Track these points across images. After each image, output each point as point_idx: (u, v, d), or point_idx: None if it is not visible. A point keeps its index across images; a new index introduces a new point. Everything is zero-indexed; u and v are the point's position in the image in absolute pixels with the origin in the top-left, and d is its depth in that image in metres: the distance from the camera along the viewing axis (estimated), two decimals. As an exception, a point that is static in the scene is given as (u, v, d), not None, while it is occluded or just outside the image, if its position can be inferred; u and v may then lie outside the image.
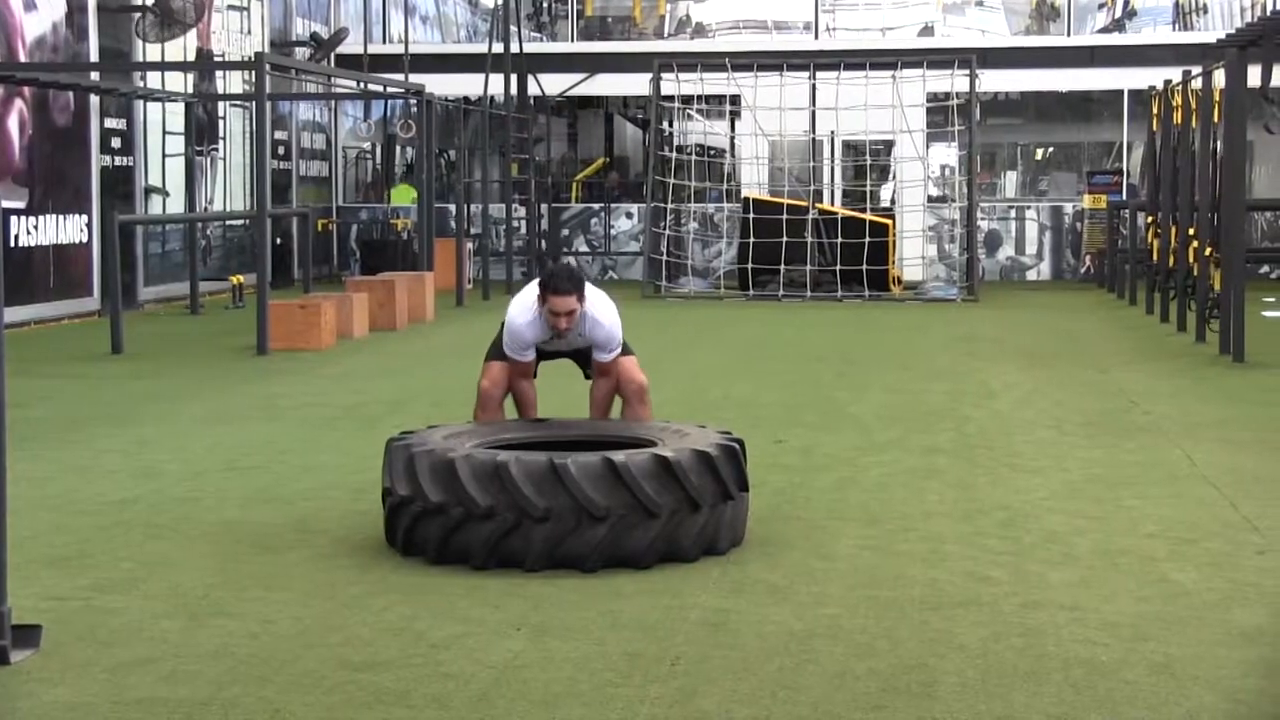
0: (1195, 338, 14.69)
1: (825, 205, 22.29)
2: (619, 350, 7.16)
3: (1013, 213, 25.11)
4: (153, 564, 6.25)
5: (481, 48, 24.26)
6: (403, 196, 25.97)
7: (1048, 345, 14.92)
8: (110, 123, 18.78)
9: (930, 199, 23.82)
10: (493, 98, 23.01)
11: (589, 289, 7.03)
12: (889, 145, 23.43)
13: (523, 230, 24.12)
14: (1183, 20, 28.30)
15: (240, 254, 22.01)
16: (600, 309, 7.06)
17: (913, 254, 22.40)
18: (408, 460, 6.16)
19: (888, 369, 13.10)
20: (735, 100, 22.81)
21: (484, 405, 7.13)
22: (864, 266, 20.79)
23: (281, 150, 23.65)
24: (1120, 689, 4.68)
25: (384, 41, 26.57)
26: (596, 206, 25.83)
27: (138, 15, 19.15)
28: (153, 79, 19.43)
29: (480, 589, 5.75)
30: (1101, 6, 29.49)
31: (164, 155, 20.28)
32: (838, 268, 20.93)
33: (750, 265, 21.24)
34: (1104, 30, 29.03)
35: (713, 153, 25.52)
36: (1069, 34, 26.91)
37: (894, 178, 23.73)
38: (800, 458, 8.70)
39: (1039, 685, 4.71)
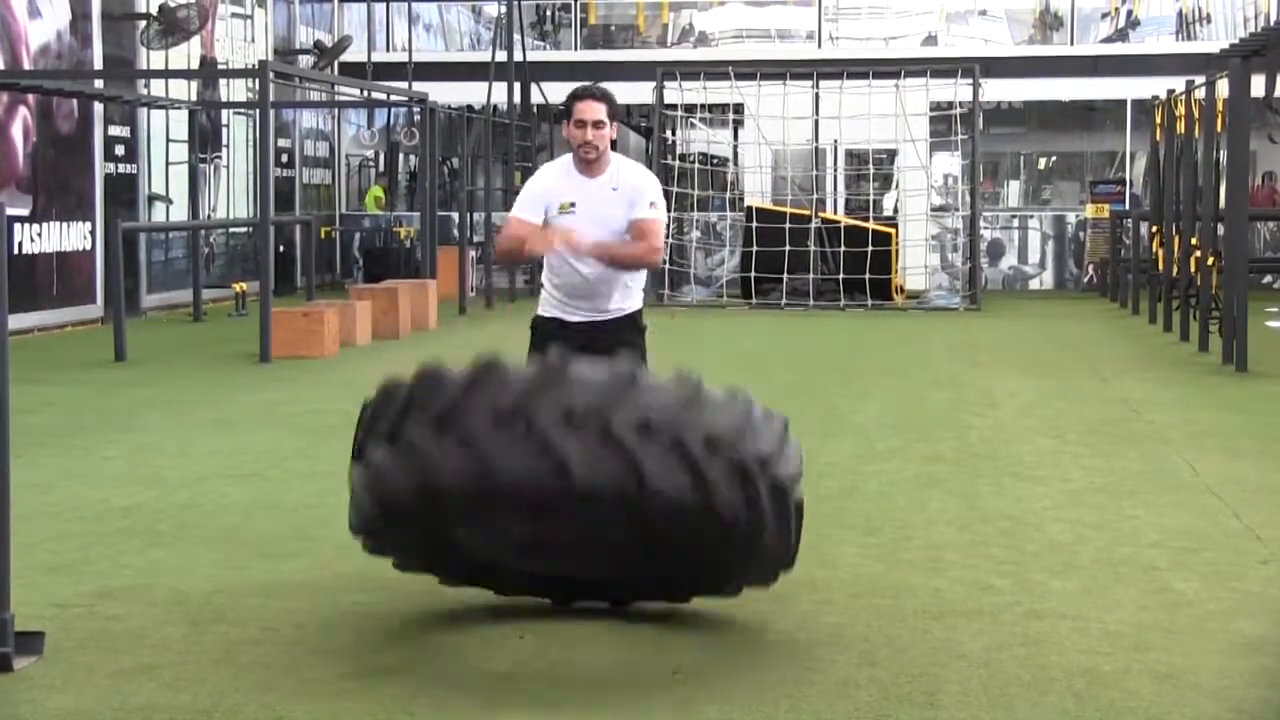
0: (1198, 347, 14.69)
1: (828, 214, 22.29)
2: (662, 213, 6.12)
3: (1015, 222, 25.10)
4: (155, 571, 6.26)
5: (485, 56, 24.27)
6: (370, 200, 26.04)
7: (1050, 354, 14.91)
8: (114, 130, 18.79)
9: (933, 208, 23.81)
10: (496, 106, 23.03)
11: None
12: (892, 154, 23.42)
13: (525, 238, 24.07)
14: (1186, 30, 28.29)
15: (243, 261, 22.02)
16: (635, 166, 6.24)
17: (915, 263, 22.39)
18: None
19: (890, 377, 13.09)
20: (738, 109, 22.82)
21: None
22: (867, 275, 20.78)
23: (285, 158, 23.67)
24: (1123, 699, 4.67)
25: (387, 50, 26.58)
26: (599, 215, 25.80)
27: (142, 23, 19.18)
28: (156, 86, 19.46)
29: (483, 597, 5.74)
30: (1105, 16, 29.49)
31: (167, 163, 20.29)
32: (840, 276, 20.92)
33: (753, 274, 21.24)
34: (1107, 40, 29.01)
35: (716, 161, 25.52)
36: (1072, 43, 26.89)
37: (897, 186, 23.73)
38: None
39: (1041, 695, 4.71)
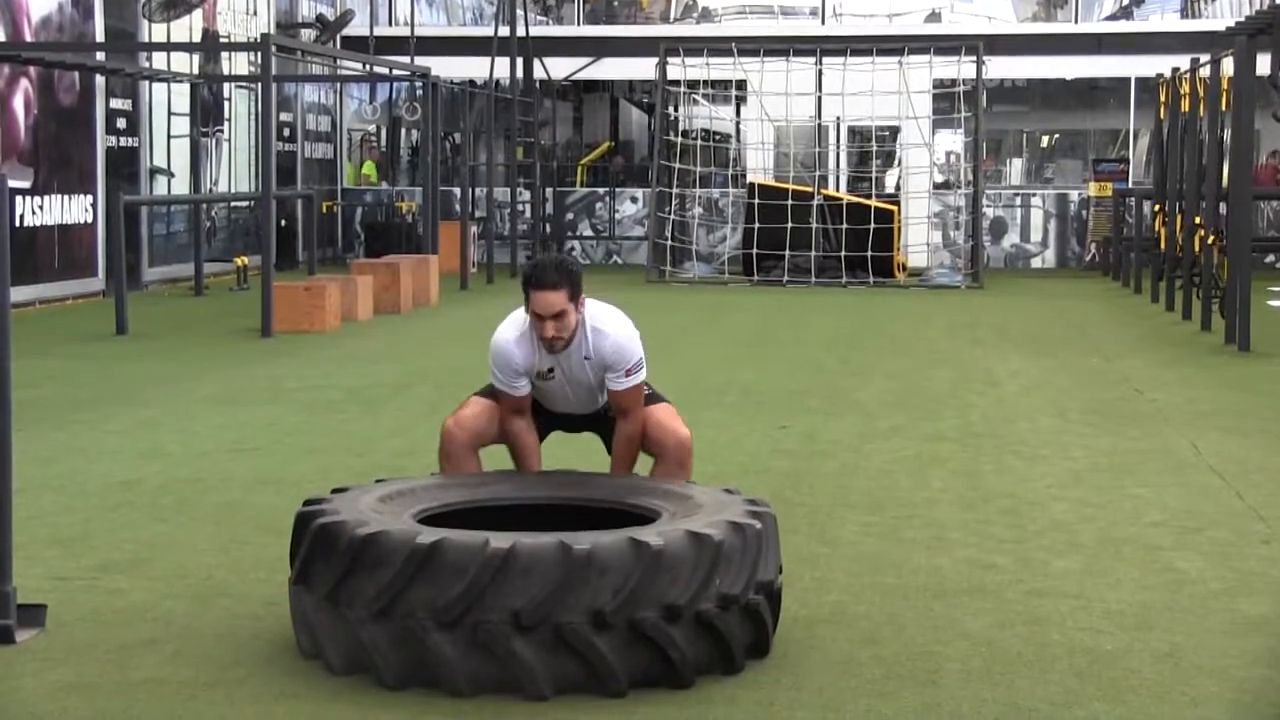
0: (1200, 326, 14.68)
1: (830, 191, 22.26)
2: (640, 375, 5.51)
3: (1018, 200, 25.08)
4: (157, 545, 6.26)
5: (487, 31, 24.22)
6: (364, 173, 26.06)
7: (1052, 333, 14.90)
8: (116, 103, 18.76)
9: (935, 185, 23.77)
10: (498, 81, 22.98)
11: (594, 302, 5.57)
12: (895, 131, 23.39)
13: (527, 214, 24.10)
14: (1191, 8, 28.23)
15: (245, 236, 22.00)
16: (606, 318, 5.54)
17: (917, 240, 22.37)
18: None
19: (891, 355, 13.08)
20: (741, 85, 22.77)
21: (445, 452, 5.60)
22: (869, 253, 20.76)
23: (287, 132, 23.63)
24: (1124, 677, 4.67)
25: (390, 24, 26.51)
26: (601, 191, 25.82)
27: (144, -5, 19.13)
28: (158, 60, 19.42)
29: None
30: (1109, -7, 29.41)
31: (169, 136, 20.27)
32: (842, 254, 20.90)
33: (755, 251, 21.21)
34: (1112, 17, 28.97)
35: (718, 138, 25.49)
36: (1076, 21, 26.83)
37: (899, 164, 23.69)
38: (804, 444, 8.69)
39: (1043, 673, 4.71)
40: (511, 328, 5.54)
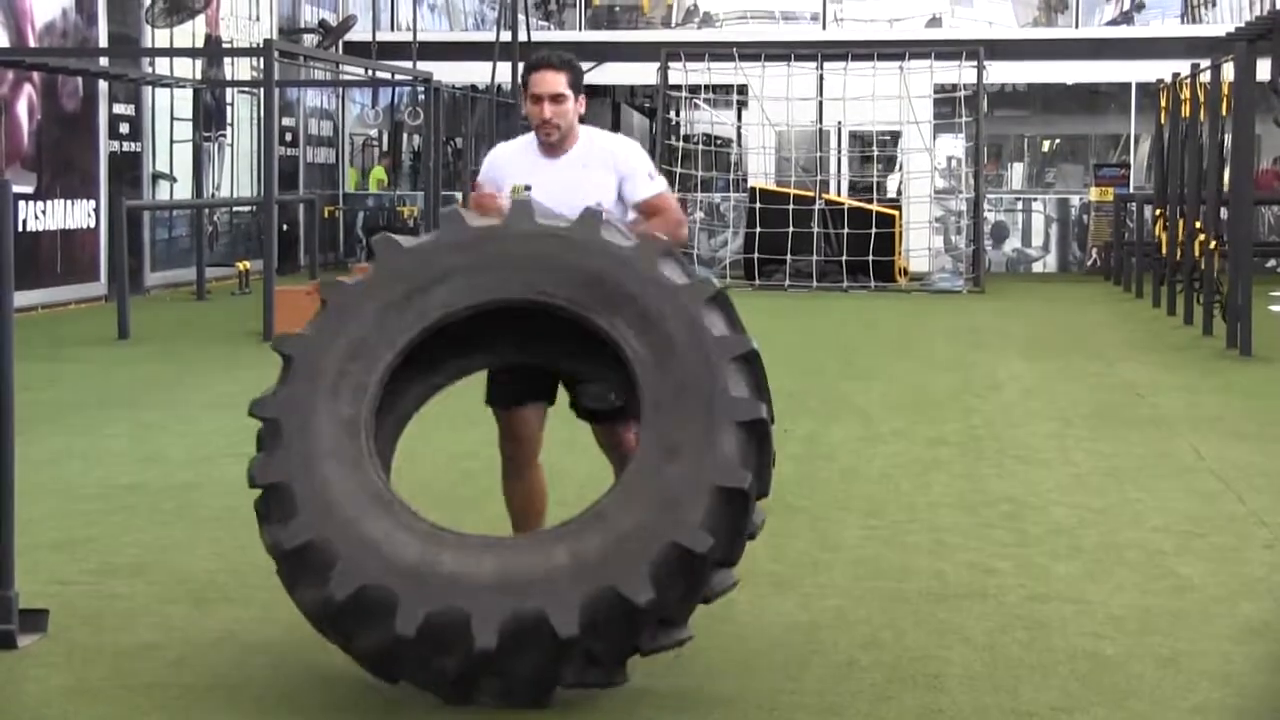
0: (1202, 331, 14.67)
1: (832, 196, 22.26)
2: (661, 182, 5.28)
3: (1019, 204, 25.06)
4: (158, 549, 6.26)
5: (489, 36, 24.23)
6: (375, 177, 26.08)
7: (1053, 337, 14.90)
8: (119, 108, 18.77)
9: (937, 190, 23.77)
10: (500, 86, 22.99)
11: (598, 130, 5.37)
12: (896, 136, 23.39)
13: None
14: (1191, 13, 28.22)
15: (247, 240, 21.99)
16: (612, 136, 5.43)
17: (919, 245, 22.35)
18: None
19: (893, 359, 13.08)
20: (742, 90, 22.78)
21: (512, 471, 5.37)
22: (870, 257, 20.75)
23: (289, 137, 23.64)
24: (1126, 683, 4.68)
25: (392, 29, 26.53)
26: (603, 195, 25.77)
27: (147, 1, 19.15)
28: (161, 65, 19.43)
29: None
30: (1110, -2, 29.40)
31: (172, 141, 20.28)
32: (844, 258, 20.90)
33: (756, 255, 21.21)
34: (1112, 22, 28.94)
35: (719, 142, 25.47)
36: (1077, 26, 26.83)
37: (900, 169, 23.70)
38: (805, 448, 8.68)
39: (1044, 678, 4.71)
40: (512, 141, 5.47)
